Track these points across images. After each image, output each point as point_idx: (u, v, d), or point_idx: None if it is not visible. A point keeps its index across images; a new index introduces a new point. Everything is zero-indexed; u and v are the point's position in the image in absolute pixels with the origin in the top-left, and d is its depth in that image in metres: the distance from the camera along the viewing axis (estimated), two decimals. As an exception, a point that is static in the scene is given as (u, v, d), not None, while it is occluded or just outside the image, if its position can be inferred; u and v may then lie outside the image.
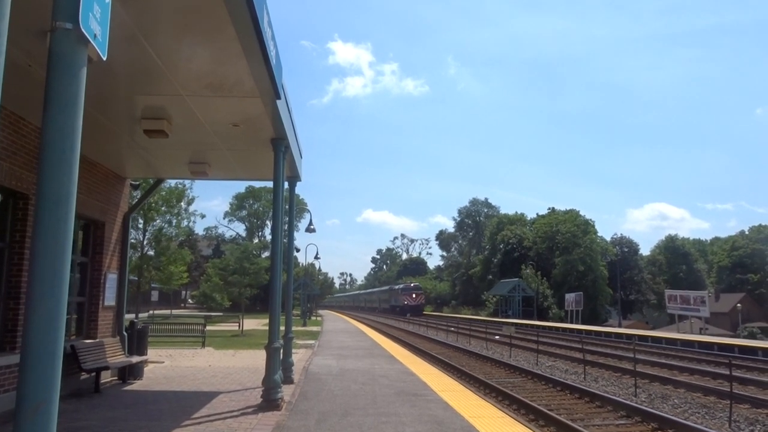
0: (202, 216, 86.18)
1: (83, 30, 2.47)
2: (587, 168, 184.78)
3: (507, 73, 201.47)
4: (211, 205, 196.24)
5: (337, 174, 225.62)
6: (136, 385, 10.58)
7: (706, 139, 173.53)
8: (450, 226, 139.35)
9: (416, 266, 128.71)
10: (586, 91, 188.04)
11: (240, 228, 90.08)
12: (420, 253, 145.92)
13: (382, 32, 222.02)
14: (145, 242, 38.86)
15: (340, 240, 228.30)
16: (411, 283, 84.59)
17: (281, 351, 9.38)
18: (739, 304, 63.83)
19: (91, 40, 2.55)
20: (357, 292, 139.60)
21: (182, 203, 41.76)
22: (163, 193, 37.63)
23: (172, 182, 39.58)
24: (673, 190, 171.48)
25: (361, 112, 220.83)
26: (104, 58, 2.74)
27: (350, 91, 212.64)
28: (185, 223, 44.02)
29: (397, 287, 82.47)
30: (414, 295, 74.15)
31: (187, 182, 41.67)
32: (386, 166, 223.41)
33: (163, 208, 38.73)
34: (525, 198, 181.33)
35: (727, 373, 10.71)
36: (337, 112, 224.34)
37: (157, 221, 39.34)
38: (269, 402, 8.33)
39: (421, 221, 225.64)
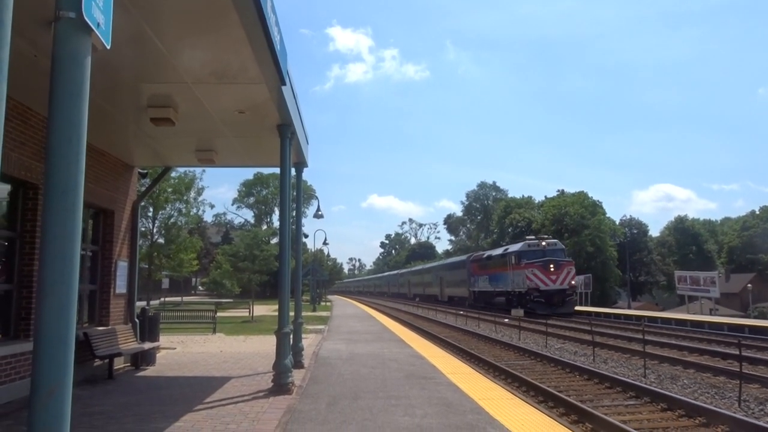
0: (212, 206, 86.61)
1: (86, 19, 2.48)
2: (592, 150, 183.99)
3: (510, 57, 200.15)
4: (218, 192, 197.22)
5: (342, 160, 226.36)
6: (149, 371, 10.72)
7: (710, 120, 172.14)
8: (456, 210, 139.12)
9: (425, 250, 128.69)
10: (590, 73, 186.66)
11: (248, 215, 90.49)
12: (428, 238, 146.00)
13: (382, 17, 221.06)
14: (154, 230, 39.10)
15: (347, 226, 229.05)
16: (543, 239, 38.17)
17: (291, 336, 9.47)
18: (749, 284, 63.51)
19: (94, 28, 2.57)
20: (396, 272, 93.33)
21: (192, 192, 41.91)
22: (173, 181, 37.77)
23: (182, 171, 39.76)
24: (679, 170, 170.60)
25: (364, 98, 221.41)
26: (108, 47, 2.75)
27: (351, 78, 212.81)
28: (194, 211, 44.25)
29: (507, 251, 38.60)
30: (552, 268, 33.31)
31: (197, 172, 41.88)
32: (390, 151, 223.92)
33: (172, 197, 38.89)
34: (531, 181, 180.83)
35: (737, 353, 10.69)
36: (339, 98, 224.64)
37: (167, 209, 39.52)
38: (280, 386, 8.42)
39: (427, 206, 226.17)
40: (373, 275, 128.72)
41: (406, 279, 77.76)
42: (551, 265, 33.29)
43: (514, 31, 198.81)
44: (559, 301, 32.89)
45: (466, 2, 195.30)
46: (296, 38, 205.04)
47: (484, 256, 44.12)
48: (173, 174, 36.62)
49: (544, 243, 36.22)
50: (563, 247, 38.52)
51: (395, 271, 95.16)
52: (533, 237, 40.17)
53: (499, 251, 41.46)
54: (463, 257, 53.59)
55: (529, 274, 33.30)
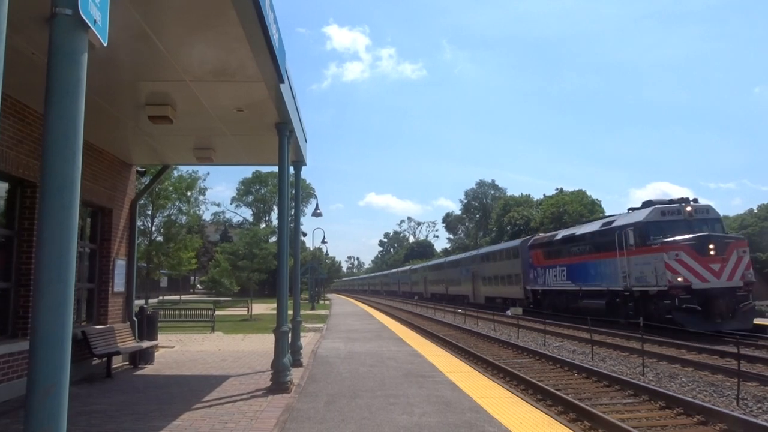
0: (217, 204, 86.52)
1: (83, 16, 2.47)
2: (591, 148, 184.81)
3: (508, 55, 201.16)
4: (216, 190, 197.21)
5: (339, 158, 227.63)
6: (147, 370, 10.71)
7: (708, 118, 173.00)
8: (454, 208, 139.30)
9: (423, 249, 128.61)
10: (588, 71, 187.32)
11: (247, 213, 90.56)
12: (427, 236, 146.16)
13: (379, 15, 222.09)
14: (153, 229, 39.08)
15: (345, 224, 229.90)
16: (685, 201, 21.12)
17: (290, 334, 9.46)
18: (747, 283, 63.48)
19: (91, 25, 2.55)
20: (408, 267, 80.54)
21: (194, 192, 41.88)
22: (173, 180, 37.74)
23: (184, 172, 39.72)
24: (676, 169, 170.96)
25: (361, 97, 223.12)
26: (105, 44, 2.74)
27: (349, 76, 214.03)
28: (194, 209, 44.29)
29: (615, 224, 22.79)
30: (712, 250, 18.68)
31: (201, 173, 41.94)
32: (388, 150, 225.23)
33: (173, 195, 38.86)
34: (530, 179, 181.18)
35: (735, 351, 10.70)
36: (336, 96, 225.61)
37: (167, 207, 39.50)
38: (278, 385, 8.41)
39: (424, 204, 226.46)
40: (379, 272, 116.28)
41: (422, 276, 64.87)
42: (711, 245, 18.91)
43: (511, 30, 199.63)
44: (726, 308, 18.54)
45: (463, 0, 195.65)
46: (293, 37, 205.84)
47: (558, 237, 28.91)
48: (174, 172, 36.60)
49: (689, 208, 20.67)
50: (719, 215, 21.54)
51: (406, 267, 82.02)
52: (667, 201, 22.21)
53: (593, 226, 25.76)
54: (515, 242, 38.16)
55: (669, 260, 18.99)
